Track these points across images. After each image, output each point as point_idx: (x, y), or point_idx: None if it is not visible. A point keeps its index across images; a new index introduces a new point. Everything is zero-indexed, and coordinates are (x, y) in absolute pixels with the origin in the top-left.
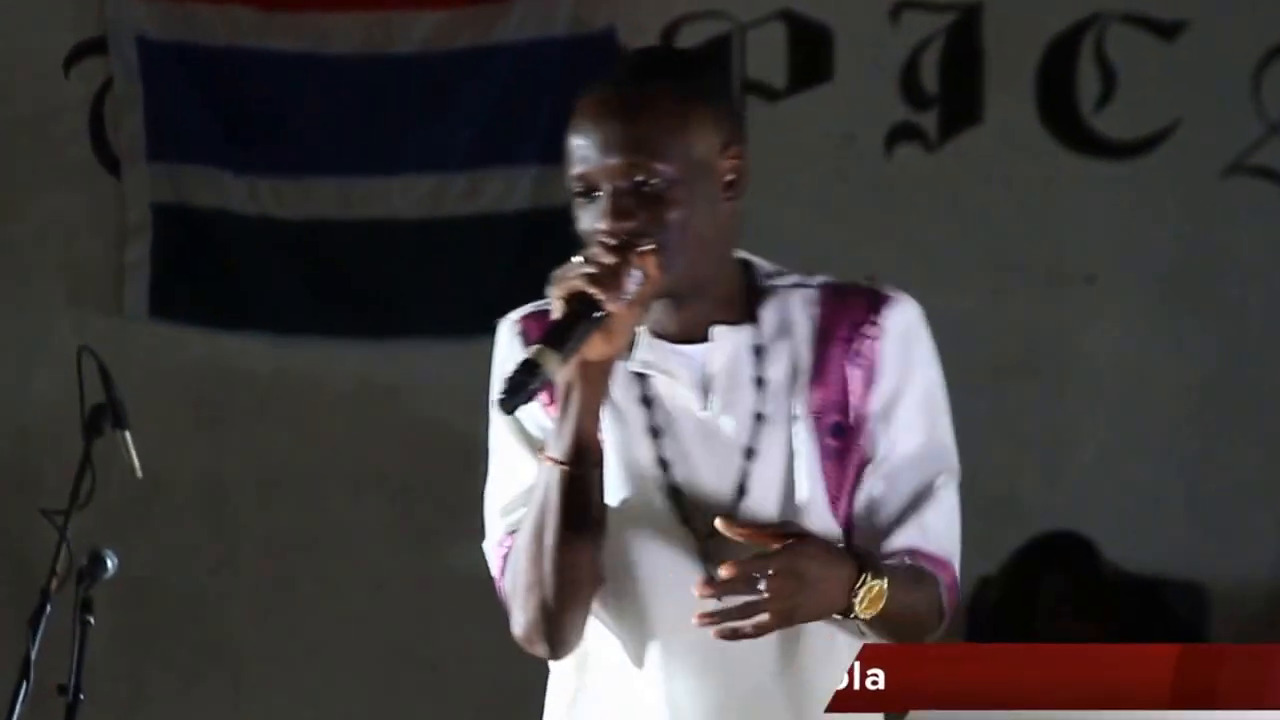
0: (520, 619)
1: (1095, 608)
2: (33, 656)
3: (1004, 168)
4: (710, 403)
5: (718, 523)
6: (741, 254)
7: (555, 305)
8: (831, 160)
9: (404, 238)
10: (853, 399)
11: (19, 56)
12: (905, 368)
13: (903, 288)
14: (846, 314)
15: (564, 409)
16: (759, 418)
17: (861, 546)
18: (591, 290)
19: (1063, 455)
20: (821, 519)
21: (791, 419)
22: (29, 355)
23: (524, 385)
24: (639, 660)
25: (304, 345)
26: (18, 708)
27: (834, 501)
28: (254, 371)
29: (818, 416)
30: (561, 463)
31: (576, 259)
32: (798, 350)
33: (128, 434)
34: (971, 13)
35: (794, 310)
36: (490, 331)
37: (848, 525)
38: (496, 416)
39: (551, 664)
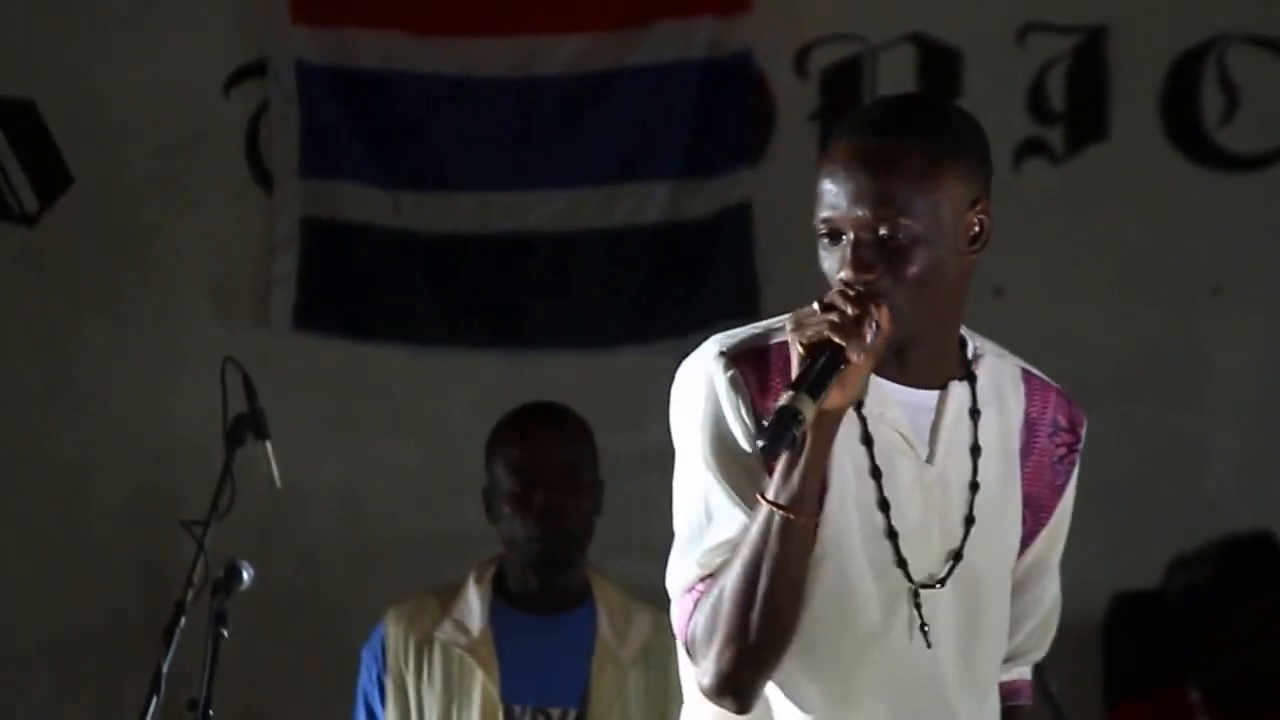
0: (714, 669)
1: None
2: (164, 669)
3: (1130, 181)
4: (934, 453)
5: None
6: None
7: (796, 351)
8: None
9: (540, 250)
10: (1040, 500)
11: (181, 81)
12: (1072, 486)
13: (1032, 300)
14: (1050, 411)
15: (793, 456)
16: (974, 487)
17: None
18: (836, 339)
19: (1196, 467)
20: (1009, 595)
21: (1009, 498)
22: (176, 368)
23: (786, 434)
24: (826, 700)
25: (441, 356)
26: None
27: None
28: (392, 383)
29: (1024, 504)
30: (787, 510)
31: (814, 305)
32: (1009, 426)
33: (269, 444)
34: (1097, 34)
35: (1004, 381)
36: (621, 342)
37: None
38: (693, 454)
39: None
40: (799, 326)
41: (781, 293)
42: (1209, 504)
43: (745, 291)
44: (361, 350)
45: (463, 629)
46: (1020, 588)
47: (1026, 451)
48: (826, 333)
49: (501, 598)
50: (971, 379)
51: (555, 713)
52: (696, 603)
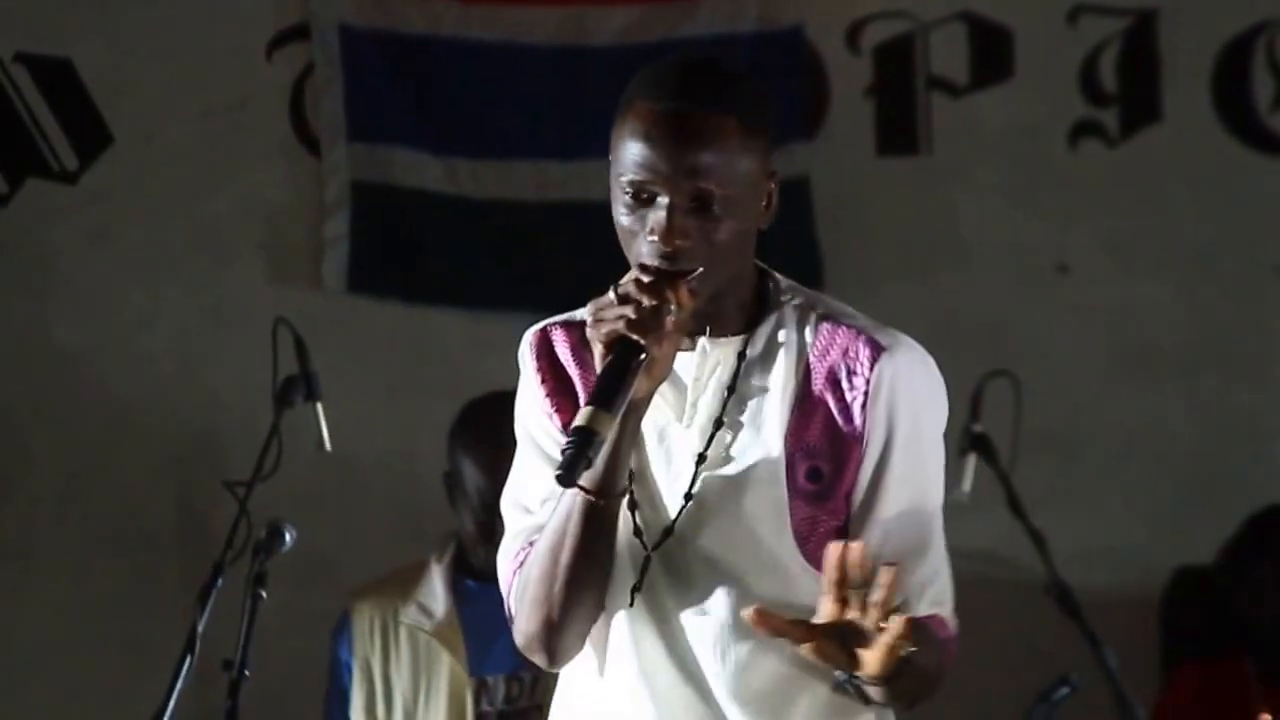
0: (523, 628)
1: None
2: (199, 630)
3: (1185, 165)
4: (686, 412)
5: (744, 613)
6: (763, 267)
7: (596, 350)
8: (1014, 154)
9: (599, 220)
10: (835, 449)
11: (224, 43)
12: (893, 426)
13: (1088, 278)
14: (839, 355)
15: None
16: (718, 423)
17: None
18: (633, 336)
19: (1254, 444)
20: (781, 545)
21: (757, 428)
22: (223, 328)
23: (583, 456)
24: (602, 670)
25: (497, 321)
26: (179, 682)
27: (803, 540)
28: (447, 347)
29: (793, 450)
30: (589, 493)
31: (610, 294)
32: (782, 371)
33: (319, 405)
34: (1147, 17)
35: (789, 329)
36: None
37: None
38: (518, 422)
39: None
40: (596, 323)
41: (842, 265)
42: (1271, 480)
43: (807, 264)
44: (416, 314)
45: (426, 611)
46: (878, 542)
47: (802, 396)
48: (623, 330)
49: (464, 573)
50: (749, 331)
51: (526, 677)
52: (516, 570)
